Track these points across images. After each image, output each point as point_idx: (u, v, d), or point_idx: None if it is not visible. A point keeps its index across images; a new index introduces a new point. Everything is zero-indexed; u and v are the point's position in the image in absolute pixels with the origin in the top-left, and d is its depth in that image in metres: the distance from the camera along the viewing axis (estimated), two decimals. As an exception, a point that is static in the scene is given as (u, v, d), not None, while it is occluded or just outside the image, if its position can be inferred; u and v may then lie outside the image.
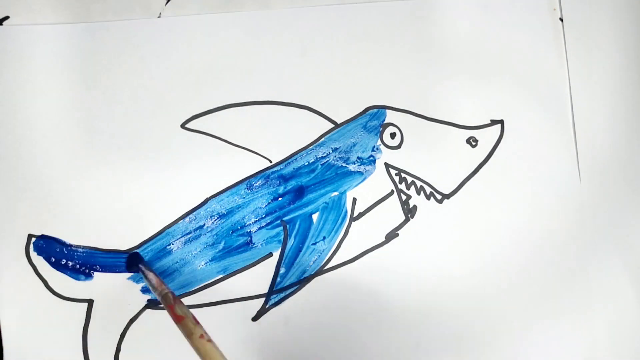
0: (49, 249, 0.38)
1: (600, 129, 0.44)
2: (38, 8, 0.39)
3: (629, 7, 0.45)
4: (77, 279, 0.39)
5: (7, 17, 0.39)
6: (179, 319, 0.32)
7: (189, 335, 0.31)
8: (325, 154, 0.41)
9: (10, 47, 0.39)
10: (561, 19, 0.44)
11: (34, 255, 0.38)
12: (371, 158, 0.42)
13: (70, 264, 0.38)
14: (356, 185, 0.41)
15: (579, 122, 0.44)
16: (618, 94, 0.45)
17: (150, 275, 0.37)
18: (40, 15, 0.39)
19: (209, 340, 0.31)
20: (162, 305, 0.39)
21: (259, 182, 0.40)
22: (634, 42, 0.45)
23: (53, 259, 0.38)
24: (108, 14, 0.40)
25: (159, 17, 0.40)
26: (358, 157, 0.42)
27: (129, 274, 0.39)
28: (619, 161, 0.44)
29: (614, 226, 0.44)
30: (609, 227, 0.44)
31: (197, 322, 0.32)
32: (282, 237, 0.40)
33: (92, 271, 0.39)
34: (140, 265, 0.38)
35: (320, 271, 0.41)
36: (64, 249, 0.38)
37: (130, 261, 0.39)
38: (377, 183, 0.42)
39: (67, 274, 0.38)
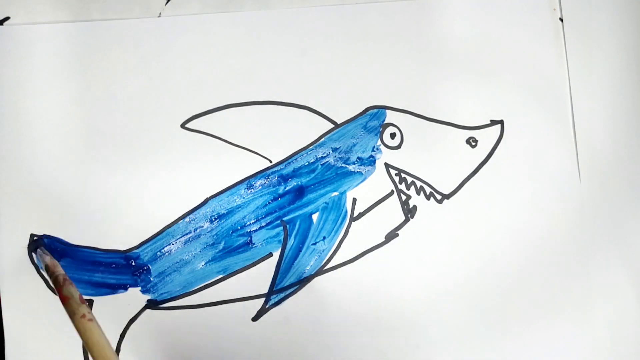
0: (51, 248, 0.38)
1: (600, 129, 0.44)
2: (38, 7, 0.39)
3: (629, 7, 0.45)
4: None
5: (7, 18, 0.39)
6: (64, 300, 0.32)
7: (71, 315, 0.31)
8: (325, 154, 0.41)
9: (10, 47, 0.39)
10: (561, 19, 0.44)
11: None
12: (371, 158, 0.42)
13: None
14: (356, 186, 0.41)
15: (579, 122, 0.44)
16: (618, 94, 0.45)
17: (47, 259, 0.36)
18: (40, 14, 0.39)
19: (91, 319, 0.30)
20: (162, 306, 0.39)
21: (259, 182, 0.40)
22: (634, 42, 0.45)
23: (54, 259, 0.38)
24: (108, 13, 0.40)
25: (159, 16, 0.40)
26: (358, 157, 0.42)
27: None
28: (619, 161, 0.44)
29: (614, 226, 0.44)
30: (609, 227, 0.44)
31: (84, 302, 0.32)
32: (282, 237, 0.40)
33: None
34: (39, 249, 0.38)
35: (320, 271, 0.41)
36: (65, 249, 0.38)
37: (34, 245, 0.39)
38: (377, 183, 0.42)
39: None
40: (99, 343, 0.29)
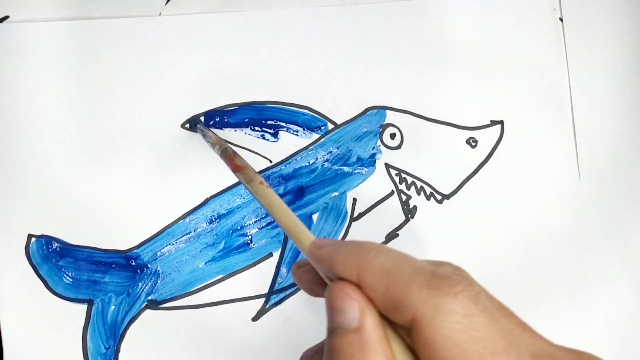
0: (49, 248, 0.38)
1: (600, 129, 0.44)
2: (37, 6, 0.39)
3: (629, 7, 0.45)
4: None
5: (6, 17, 0.39)
6: (239, 168, 0.33)
7: (248, 182, 0.31)
8: (325, 155, 0.41)
9: (10, 45, 0.39)
10: (561, 19, 0.44)
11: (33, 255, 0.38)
12: (371, 158, 0.42)
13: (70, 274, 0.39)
14: (356, 186, 0.41)
15: (579, 122, 0.44)
16: (618, 94, 0.45)
17: (209, 134, 0.38)
18: (39, 12, 0.39)
19: (269, 186, 0.31)
20: (162, 306, 0.39)
21: (259, 182, 0.40)
22: (634, 42, 0.45)
23: (53, 259, 0.38)
24: (108, 11, 0.40)
25: (159, 15, 0.40)
26: (358, 158, 0.42)
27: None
28: (619, 161, 0.44)
29: (614, 226, 0.44)
30: (609, 227, 0.44)
31: (256, 172, 0.33)
32: (282, 237, 0.40)
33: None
34: (199, 125, 0.39)
35: (321, 271, 0.41)
36: (65, 249, 0.38)
37: (191, 123, 0.40)
38: (377, 183, 0.42)
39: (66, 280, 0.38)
40: (281, 205, 0.29)
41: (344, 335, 0.21)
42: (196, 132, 0.40)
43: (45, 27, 0.39)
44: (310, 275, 0.26)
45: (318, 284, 0.26)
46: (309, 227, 0.41)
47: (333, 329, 0.22)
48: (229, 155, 0.35)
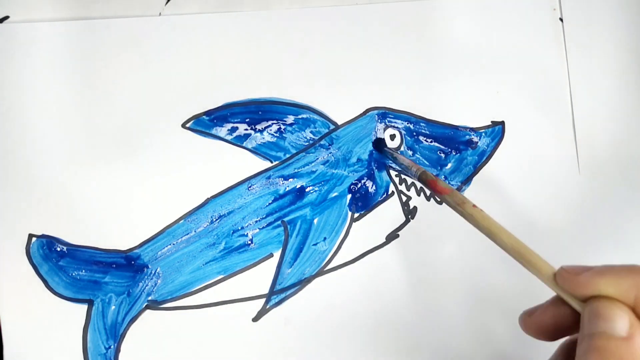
0: (50, 248, 0.38)
1: (600, 129, 0.45)
2: (37, 6, 0.39)
3: (629, 7, 0.45)
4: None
5: (7, 17, 0.39)
6: (445, 192, 0.33)
7: (459, 204, 0.31)
8: (325, 155, 0.41)
9: (10, 45, 0.38)
10: (561, 19, 0.44)
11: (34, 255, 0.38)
12: (371, 159, 0.42)
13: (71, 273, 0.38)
14: (357, 186, 0.41)
15: (579, 122, 0.44)
16: (618, 93, 0.45)
17: (400, 158, 0.37)
18: (39, 12, 0.39)
19: (482, 210, 0.31)
20: (162, 306, 0.39)
21: (260, 182, 0.40)
22: (634, 42, 0.45)
23: (54, 259, 0.38)
24: (108, 11, 0.40)
25: (159, 15, 0.40)
26: (358, 158, 0.42)
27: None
28: (619, 161, 0.44)
29: (614, 226, 0.44)
30: (609, 227, 0.44)
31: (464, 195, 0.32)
32: (282, 237, 0.40)
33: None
34: (386, 149, 0.39)
35: (321, 272, 0.41)
36: (65, 249, 0.38)
37: (377, 145, 0.40)
38: (377, 184, 0.42)
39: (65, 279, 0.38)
40: (502, 228, 0.30)
41: (611, 340, 0.23)
42: (381, 153, 0.40)
43: (45, 27, 0.39)
44: (549, 315, 0.28)
45: (556, 323, 0.28)
46: (309, 229, 0.41)
47: (596, 333, 0.23)
48: (429, 178, 0.34)
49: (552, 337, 0.29)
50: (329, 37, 0.41)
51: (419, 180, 0.35)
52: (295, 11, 0.41)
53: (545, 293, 0.43)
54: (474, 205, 0.30)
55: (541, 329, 0.29)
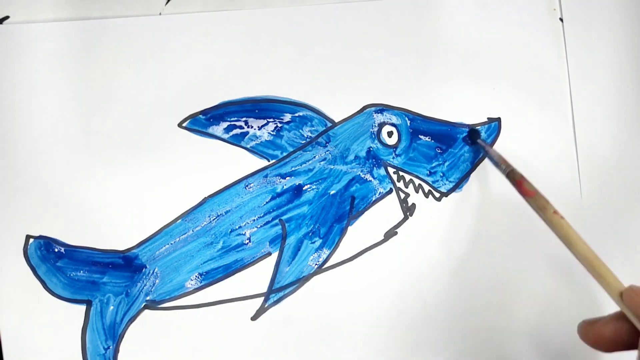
0: (47, 249, 0.38)
1: (600, 129, 0.44)
2: (37, 6, 0.39)
3: (629, 7, 0.45)
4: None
5: (7, 17, 0.39)
6: (529, 194, 0.32)
7: (541, 209, 0.31)
8: (323, 153, 0.41)
9: (10, 45, 0.39)
10: (561, 19, 0.44)
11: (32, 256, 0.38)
12: (369, 156, 0.42)
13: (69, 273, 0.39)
14: (354, 184, 0.41)
15: (579, 122, 0.44)
16: (618, 94, 0.45)
17: (492, 152, 0.37)
18: (39, 13, 0.39)
19: (562, 217, 0.30)
20: (161, 306, 0.39)
21: (257, 181, 0.40)
22: (634, 42, 0.45)
23: (52, 260, 0.38)
24: (108, 11, 0.40)
25: (159, 15, 0.41)
26: (356, 156, 0.42)
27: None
28: (619, 161, 0.44)
29: (614, 226, 0.44)
30: (608, 226, 0.43)
31: (548, 200, 0.32)
32: (280, 236, 0.40)
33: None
34: (479, 141, 0.38)
35: (319, 270, 0.40)
36: (63, 250, 0.38)
37: (472, 136, 0.41)
38: (375, 181, 0.42)
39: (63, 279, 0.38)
40: (580, 239, 0.30)
41: None
42: (474, 145, 0.40)
43: (45, 28, 0.39)
44: (610, 328, 0.28)
45: (615, 338, 0.28)
46: (307, 228, 0.41)
47: None
48: (517, 178, 0.34)
49: (609, 350, 0.29)
50: (325, 35, 0.42)
51: (507, 177, 0.35)
52: (295, 9, 0.42)
53: (545, 293, 0.43)
54: (555, 212, 0.30)
55: (600, 340, 0.29)
